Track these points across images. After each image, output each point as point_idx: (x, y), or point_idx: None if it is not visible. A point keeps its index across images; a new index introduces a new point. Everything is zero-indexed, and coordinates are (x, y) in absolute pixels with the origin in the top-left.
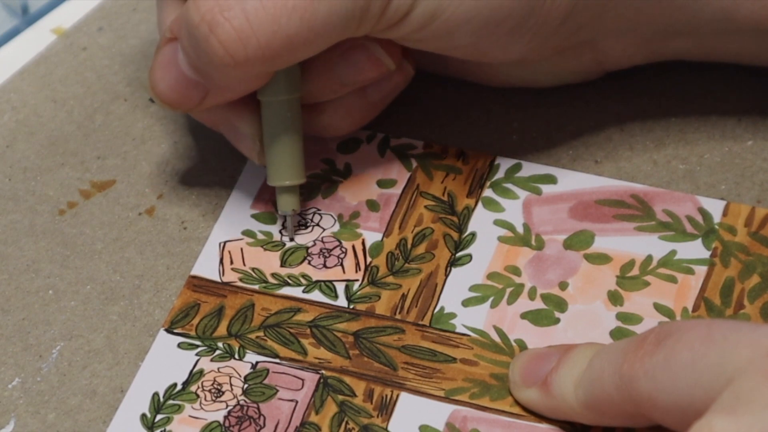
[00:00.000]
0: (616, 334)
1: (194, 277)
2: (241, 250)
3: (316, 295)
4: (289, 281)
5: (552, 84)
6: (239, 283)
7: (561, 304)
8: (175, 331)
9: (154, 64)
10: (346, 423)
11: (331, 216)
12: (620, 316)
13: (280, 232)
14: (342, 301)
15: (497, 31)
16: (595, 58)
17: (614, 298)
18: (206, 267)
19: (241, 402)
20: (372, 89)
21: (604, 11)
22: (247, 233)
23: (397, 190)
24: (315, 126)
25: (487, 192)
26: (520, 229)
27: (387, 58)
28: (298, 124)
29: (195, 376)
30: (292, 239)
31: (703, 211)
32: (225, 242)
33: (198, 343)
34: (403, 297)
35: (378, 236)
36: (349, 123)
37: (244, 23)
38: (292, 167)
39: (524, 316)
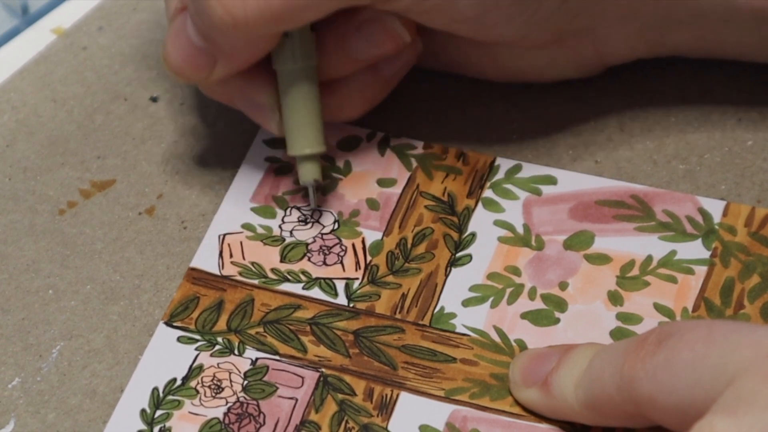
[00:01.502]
0: (616, 334)
1: (194, 269)
2: (241, 243)
3: (316, 293)
4: (289, 277)
5: (552, 78)
6: (239, 277)
7: (561, 304)
8: (175, 324)
9: (167, 36)
10: (346, 422)
11: (331, 213)
12: (620, 316)
13: (280, 227)
14: (342, 299)
15: (500, 1)
16: (596, 50)
17: (614, 298)
18: (206, 259)
19: (241, 399)
20: (384, 65)
21: None
22: (247, 227)
23: (397, 190)
24: (329, 108)
25: (487, 192)
26: (520, 230)
27: (403, 30)
28: (315, 92)
29: (194, 371)
30: (315, 208)
31: (703, 211)
32: (224, 235)
33: (197, 337)
34: (403, 296)
35: (378, 235)
36: (362, 102)
37: None
38: (311, 136)
39: (524, 316)
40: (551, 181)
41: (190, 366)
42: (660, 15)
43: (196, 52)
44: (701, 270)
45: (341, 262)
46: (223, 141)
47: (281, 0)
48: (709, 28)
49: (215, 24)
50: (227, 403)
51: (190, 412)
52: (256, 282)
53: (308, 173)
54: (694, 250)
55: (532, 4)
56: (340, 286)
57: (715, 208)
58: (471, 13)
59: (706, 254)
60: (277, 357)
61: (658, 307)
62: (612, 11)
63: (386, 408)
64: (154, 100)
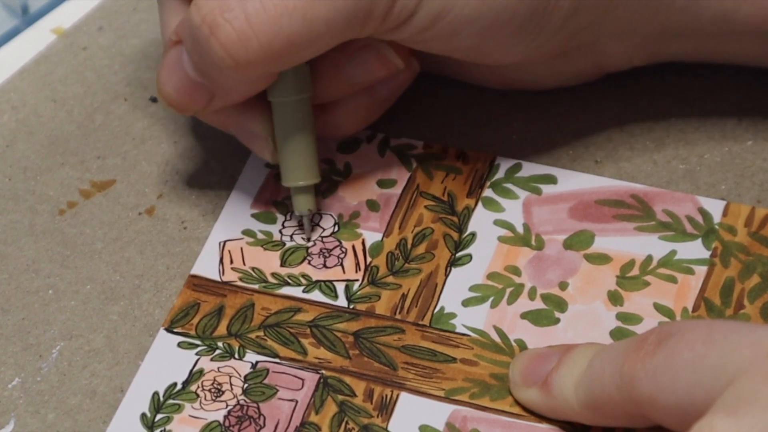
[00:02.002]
0: (616, 334)
1: (194, 276)
2: (241, 249)
3: (316, 295)
4: (289, 281)
5: (551, 86)
6: (239, 283)
7: (561, 304)
8: (175, 330)
9: (161, 68)
10: (346, 423)
11: (331, 216)
12: (620, 316)
13: (280, 231)
14: (342, 301)
15: (501, 32)
16: (595, 61)
17: (614, 298)
18: (206, 266)
19: (241, 402)
20: (379, 86)
21: (605, 14)
22: (247, 233)
23: (397, 190)
24: (322, 126)
25: (487, 192)
26: (520, 229)
27: (396, 57)
28: (309, 123)
29: (195, 375)
30: (308, 239)
31: (703, 211)
32: (225, 242)
33: (198, 342)
34: (403, 297)
35: (378, 236)
36: (357, 121)
37: (244, 24)
38: (305, 167)
39: (524, 316)
40: (551, 180)
41: (191, 371)
42: (659, 30)
43: (192, 86)
44: (701, 270)
45: (341, 264)
46: (223, 141)
47: (283, 41)
48: (708, 41)
49: (216, 64)
50: (227, 406)
51: (190, 416)
52: (256, 287)
53: (302, 204)
54: (694, 250)
55: (531, 34)
56: (340, 288)
57: (715, 208)
58: (470, 44)
59: (706, 254)
60: (277, 360)
61: (658, 307)
62: (611, 28)
63: (386, 408)
64: (154, 100)
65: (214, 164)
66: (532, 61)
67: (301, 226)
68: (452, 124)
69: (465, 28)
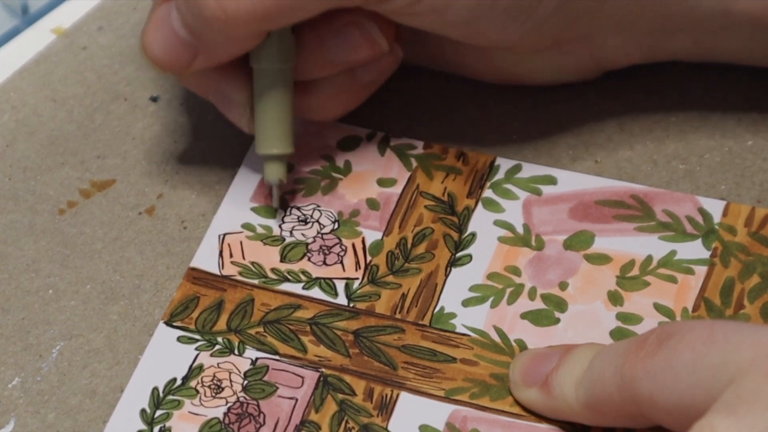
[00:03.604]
0: (616, 334)
1: (194, 269)
2: (241, 243)
3: (316, 292)
4: (289, 277)
5: (549, 82)
6: (239, 277)
7: (561, 304)
8: (175, 324)
9: (147, 25)
10: (346, 422)
11: (331, 213)
12: (620, 316)
13: (280, 227)
14: (342, 299)
15: (493, 6)
16: (593, 56)
17: (614, 298)
18: (206, 259)
19: (241, 399)
20: (362, 70)
21: (601, 3)
22: (247, 226)
23: (397, 190)
24: (304, 107)
25: (487, 192)
26: (520, 230)
27: (381, 37)
28: (289, 94)
29: (194, 371)
30: (277, 209)
31: (703, 211)
32: (224, 234)
33: (197, 337)
34: (403, 296)
35: (378, 235)
36: (337, 105)
37: None
38: (280, 136)
39: (524, 316)
40: (551, 181)
41: (190, 366)
42: (657, 22)
43: (177, 44)
44: (701, 270)
45: (341, 262)
46: (223, 141)
47: None
48: (706, 35)
49: (206, 18)
50: (227, 403)
51: (190, 412)
52: (256, 282)
53: (273, 173)
54: (694, 250)
55: (524, 12)
56: (340, 286)
57: (715, 208)
58: (462, 18)
59: (706, 254)
60: (277, 357)
61: (658, 307)
62: (608, 19)
63: (386, 408)
64: (154, 100)
65: (214, 164)
66: (528, 48)
67: (304, 222)
68: (452, 124)
69: (453, 1)
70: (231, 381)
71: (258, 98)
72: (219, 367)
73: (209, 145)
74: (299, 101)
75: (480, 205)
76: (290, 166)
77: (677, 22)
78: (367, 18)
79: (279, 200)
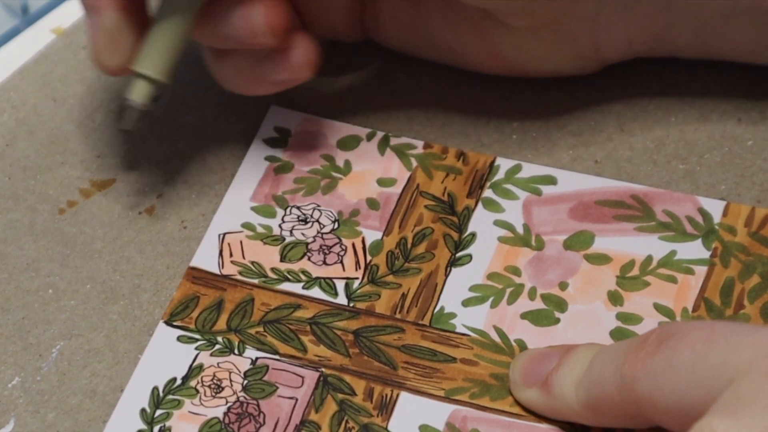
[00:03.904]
0: (616, 334)
1: (193, 268)
2: (241, 242)
3: (316, 292)
4: (289, 277)
5: (549, 72)
6: (239, 277)
7: (561, 304)
8: (175, 323)
9: None
10: (346, 422)
11: (331, 212)
12: (620, 316)
13: (280, 226)
14: (342, 299)
15: None
16: (594, 41)
17: (614, 298)
18: (205, 259)
19: (241, 399)
20: (266, 64)
21: None
22: (247, 226)
23: (397, 189)
24: (216, 72)
25: (487, 192)
26: (520, 230)
27: (261, 25)
28: (188, 26)
29: (194, 370)
30: (126, 131)
31: (703, 212)
32: (224, 234)
33: (197, 336)
34: (403, 296)
35: (378, 235)
36: (238, 84)
37: None
38: (161, 61)
39: (524, 316)
40: (551, 181)
41: (190, 365)
42: (661, 5)
43: None
44: (701, 270)
45: (341, 262)
46: (223, 141)
47: None
48: (708, 24)
49: None
50: (227, 402)
51: (190, 412)
52: (256, 281)
53: (137, 93)
54: (694, 250)
55: None
56: (340, 285)
57: (715, 208)
58: None
59: (706, 254)
60: (277, 357)
61: (658, 307)
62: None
63: (386, 408)
64: (154, 99)
65: (214, 164)
66: (530, 21)
67: (304, 222)
68: (452, 124)
69: None
70: (231, 381)
71: (157, 19)
72: (219, 366)
73: (209, 145)
74: (212, 63)
75: (480, 205)
76: (290, 166)
77: (680, 8)
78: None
79: (132, 123)
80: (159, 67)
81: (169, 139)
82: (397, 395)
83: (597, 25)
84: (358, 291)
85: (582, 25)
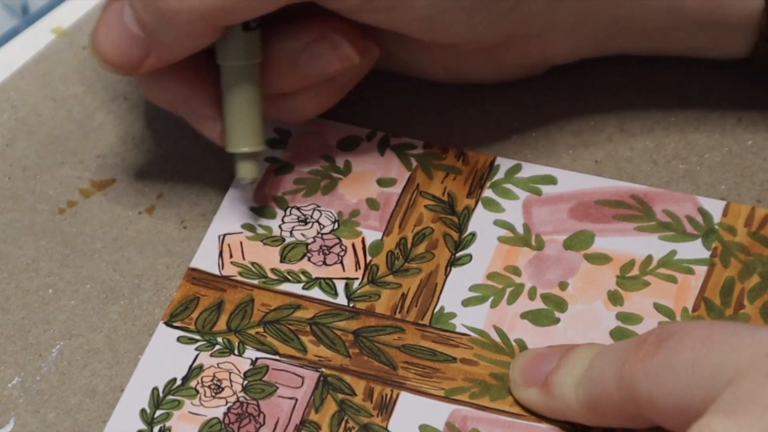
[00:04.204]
0: (616, 334)
1: (193, 269)
2: (241, 243)
3: (316, 293)
4: (289, 277)
5: (494, 80)
6: (239, 278)
7: (561, 304)
8: (175, 324)
9: (98, 22)
10: (346, 422)
11: (331, 213)
12: (620, 316)
13: (280, 227)
14: (342, 299)
15: (454, 5)
16: (542, 53)
17: (614, 298)
18: (205, 260)
19: (241, 399)
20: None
21: (556, 4)
22: (247, 227)
23: (397, 189)
24: (283, 111)
25: (487, 192)
26: (520, 230)
27: (352, 50)
28: (257, 90)
29: (194, 371)
30: (251, 209)
31: (703, 211)
32: (224, 235)
33: (197, 337)
34: (403, 296)
35: (378, 235)
36: (315, 107)
37: None
38: (250, 134)
39: (524, 316)
40: (551, 180)
41: (190, 366)
42: (608, 22)
43: (129, 40)
44: (701, 270)
45: (341, 262)
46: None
47: None
48: (656, 34)
49: (164, 12)
50: (227, 403)
51: (189, 412)
52: (256, 282)
53: (245, 171)
54: (694, 250)
55: (485, 8)
56: (340, 286)
57: (715, 208)
58: (423, 15)
59: (706, 254)
60: (277, 357)
61: (658, 307)
62: (561, 19)
63: (386, 408)
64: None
65: (214, 164)
66: (481, 45)
67: (304, 222)
68: (452, 124)
69: None
70: (231, 381)
71: (226, 96)
72: (219, 367)
73: (209, 145)
74: (278, 105)
75: (480, 204)
76: (290, 166)
77: (627, 22)
78: (335, 32)
79: (252, 199)
80: (251, 139)
81: (169, 139)
82: (397, 395)
83: (545, 40)
84: (358, 291)
85: (531, 42)
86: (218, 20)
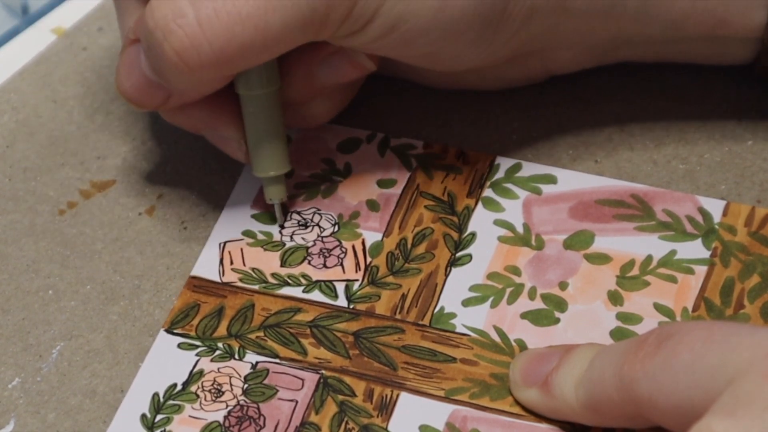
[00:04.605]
0: (616, 334)
1: (194, 277)
2: (241, 250)
3: (316, 295)
4: (289, 281)
5: (497, 88)
6: (239, 284)
7: (561, 304)
8: (175, 331)
9: (119, 65)
10: (346, 423)
11: (331, 216)
12: (620, 316)
13: (280, 232)
14: (342, 301)
15: (456, 41)
16: (543, 66)
17: (614, 298)
18: (206, 267)
19: (241, 402)
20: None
21: (558, 23)
22: (247, 233)
23: (397, 190)
24: (293, 118)
25: (487, 192)
26: (520, 229)
27: (368, 60)
28: (278, 114)
29: (195, 376)
30: (282, 226)
31: (703, 211)
32: (225, 242)
33: (198, 343)
34: (403, 297)
35: (378, 236)
36: (328, 112)
37: (197, 31)
38: (275, 157)
39: (524, 316)
40: (551, 180)
41: (191, 371)
42: (609, 38)
43: (149, 85)
44: (701, 270)
45: (341, 264)
46: None
47: (236, 47)
48: (657, 46)
49: (169, 68)
50: (227, 406)
51: (190, 416)
52: (256, 287)
53: (274, 193)
54: (694, 249)
55: (485, 41)
56: (340, 287)
57: (715, 207)
58: (425, 51)
59: (706, 254)
60: (277, 360)
61: (658, 307)
62: (562, 38)
63: (386, 408)
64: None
65: (214, 164)
66: (483, 66)
67: (304, 226)
68: (452, 124)
69: (421, 37)
70: (231, 385)
71: (248, 123)
72: (219, 371)
73: (209, 146)
74: (292, 113)
75: (480, 204)
76: (290, 172)
77: (629, 37)
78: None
79: (282, 218)
80: (277, 163)
81: (169, 139)
82: (397, 396)
83: (546, 56)
84: (358, 292)
85: (532, 58)
86: (226, 71)
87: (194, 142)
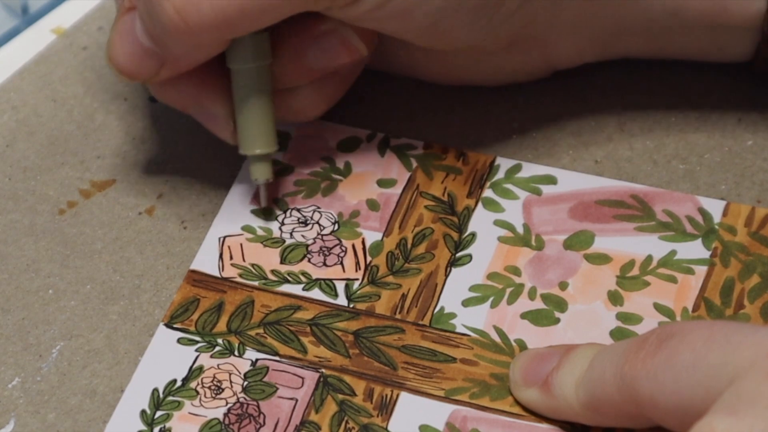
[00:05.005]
0: (616, 334)
1: (194, 271)
2: (241, 245)
3: (316, 293)
4: (289, 278)
5: (500, 83)
6: (239, 279)
7: (561, 304)
8: (175, 326)
9: (112, 35)
10: (346, 422)
11: (331, 214)
12: (620, 316)
13: (280, 228)
14: (342, 300)
15: (456, 11)
16: (544, 56)
17: (614, 298)
18: (206, 262)
19: (241, 399)
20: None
21: (559, 2)
22: (247, 229)
23: (397, 190)
24: (285, 111)
25: (487, 192)
26: (520, 230)
27: (360, 43)
28: (268, 92)
29: (194, 372)
30: (265, 207)
31: (703, 211)
32: (224, 237)
33: (197, 338)
34: (403, 297)
35: (378, 236)
36: (319, 105)
37: None
38: (263, 135)
39: (524, 316)
40: (551, 180)
41: (190, 367)
42: (610, 23)
43: (142, 53)
44: (701, 270)
45: (341, 263)
46: (223, 142)
47: (236, 7)
48: (658, 37)
49: (168, 27)
50: (227, 403)
51: (190, 413)
52: (256, 284)
53: (259, 172)
54: (694, 250)
55: (487, 14)
56: (340, 286)
57: (715, 208)
58: (426, 22)
59: (706, 254)
60: (277, 358)
61: (658, 307)
62: (564, 21)
63: (386, 408)
64: (153, 100)
65: (214, 164)
66: (484, 50)
67: (304, 224)
68: (452, 124)
69: (420, 5)
70: (231, 382)
71: (237, 98)
72: (219, 368)
73: (209, 146)
74: (284, 105)
75: (480, 204)
76: (290, 168)
77: (630, 23)
78: (344, 25)
79: (267, 199)
80: (265, 141)
81: (169, 139)
82: (397, 395)
83: (548, 43)
84: (358, 292)
85: (534, 45)
86: (225, 34)
87: (194, 142)
